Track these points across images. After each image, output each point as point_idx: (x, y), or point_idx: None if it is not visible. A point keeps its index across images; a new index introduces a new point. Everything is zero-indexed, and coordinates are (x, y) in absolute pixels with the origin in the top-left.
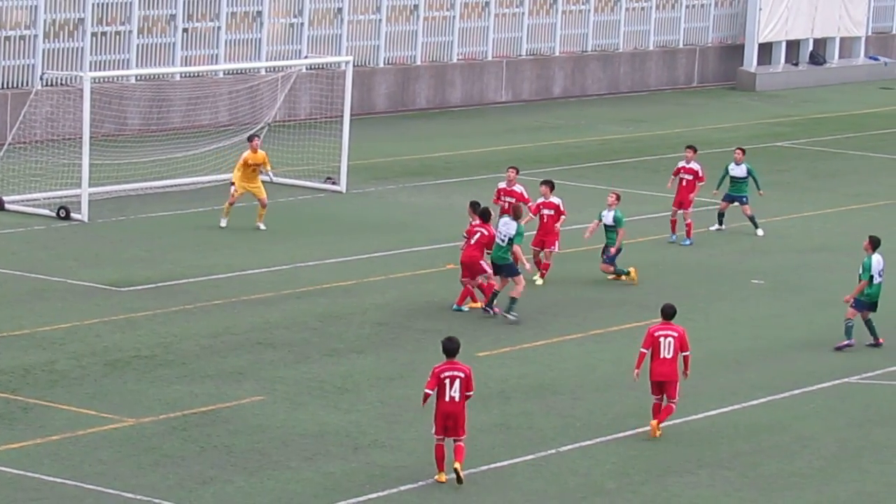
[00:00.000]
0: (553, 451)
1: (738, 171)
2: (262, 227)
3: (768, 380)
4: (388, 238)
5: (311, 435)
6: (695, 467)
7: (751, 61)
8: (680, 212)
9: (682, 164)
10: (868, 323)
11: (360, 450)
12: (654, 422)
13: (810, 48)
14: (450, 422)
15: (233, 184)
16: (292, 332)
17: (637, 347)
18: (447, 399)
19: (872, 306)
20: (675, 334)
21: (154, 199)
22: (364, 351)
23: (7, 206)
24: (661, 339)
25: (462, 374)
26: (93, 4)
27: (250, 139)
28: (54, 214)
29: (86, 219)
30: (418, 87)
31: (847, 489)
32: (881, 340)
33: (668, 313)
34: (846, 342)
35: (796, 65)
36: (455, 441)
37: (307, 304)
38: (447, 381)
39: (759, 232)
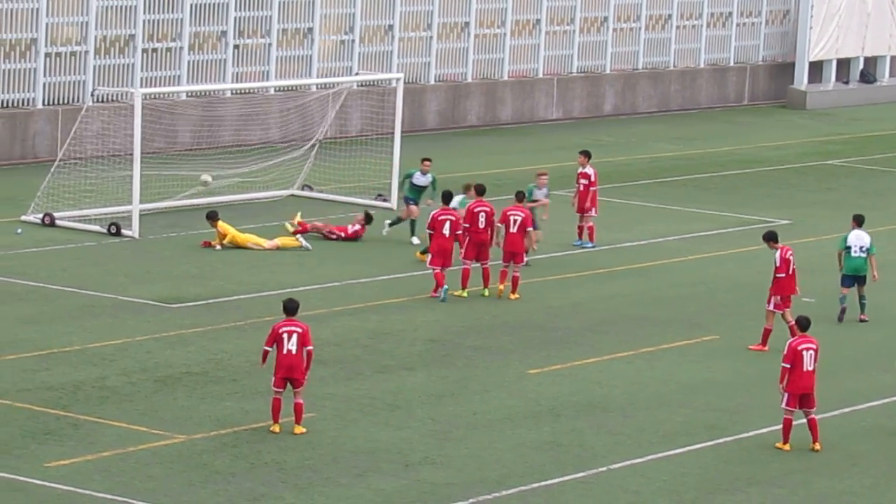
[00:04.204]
0: (604, 468)
1: (422, 180)
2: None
3: (818, 398)
4: None
5: (362, 452)
6: (745, 485)
7: (801, 79)
8: (584, 216)
9: (580, 169)
10: (861, 299)
11: (411, 467)
12: (785, 445)
13: (861, 66)
14: (289, 373)
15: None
16: (343, 349)
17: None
18: (285, 352)
19: (858, 280)
20: (814, 346)
21: (204, 215)
22: (415, 368)
23: (58, 222)
24: (804, 353)
25: (300, 330)
26: (144, 21)
27: (209, 217)
28: (105, 230)
29: (137, 235)
30: (469, 105)
31: None
32: (864, 317)
33: (805, 325)
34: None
35: (847, 83)
36: (294, 392)
37: (358, 321)
38: (285, 335)
39: (415, 240)
